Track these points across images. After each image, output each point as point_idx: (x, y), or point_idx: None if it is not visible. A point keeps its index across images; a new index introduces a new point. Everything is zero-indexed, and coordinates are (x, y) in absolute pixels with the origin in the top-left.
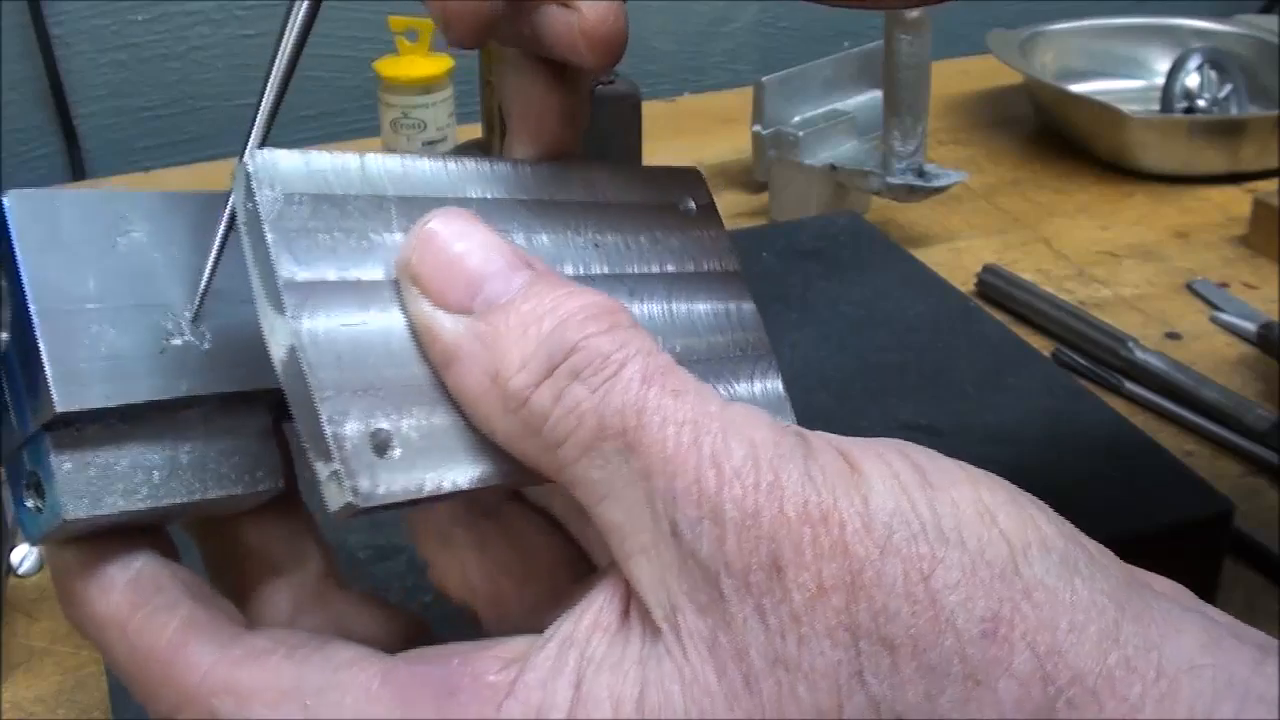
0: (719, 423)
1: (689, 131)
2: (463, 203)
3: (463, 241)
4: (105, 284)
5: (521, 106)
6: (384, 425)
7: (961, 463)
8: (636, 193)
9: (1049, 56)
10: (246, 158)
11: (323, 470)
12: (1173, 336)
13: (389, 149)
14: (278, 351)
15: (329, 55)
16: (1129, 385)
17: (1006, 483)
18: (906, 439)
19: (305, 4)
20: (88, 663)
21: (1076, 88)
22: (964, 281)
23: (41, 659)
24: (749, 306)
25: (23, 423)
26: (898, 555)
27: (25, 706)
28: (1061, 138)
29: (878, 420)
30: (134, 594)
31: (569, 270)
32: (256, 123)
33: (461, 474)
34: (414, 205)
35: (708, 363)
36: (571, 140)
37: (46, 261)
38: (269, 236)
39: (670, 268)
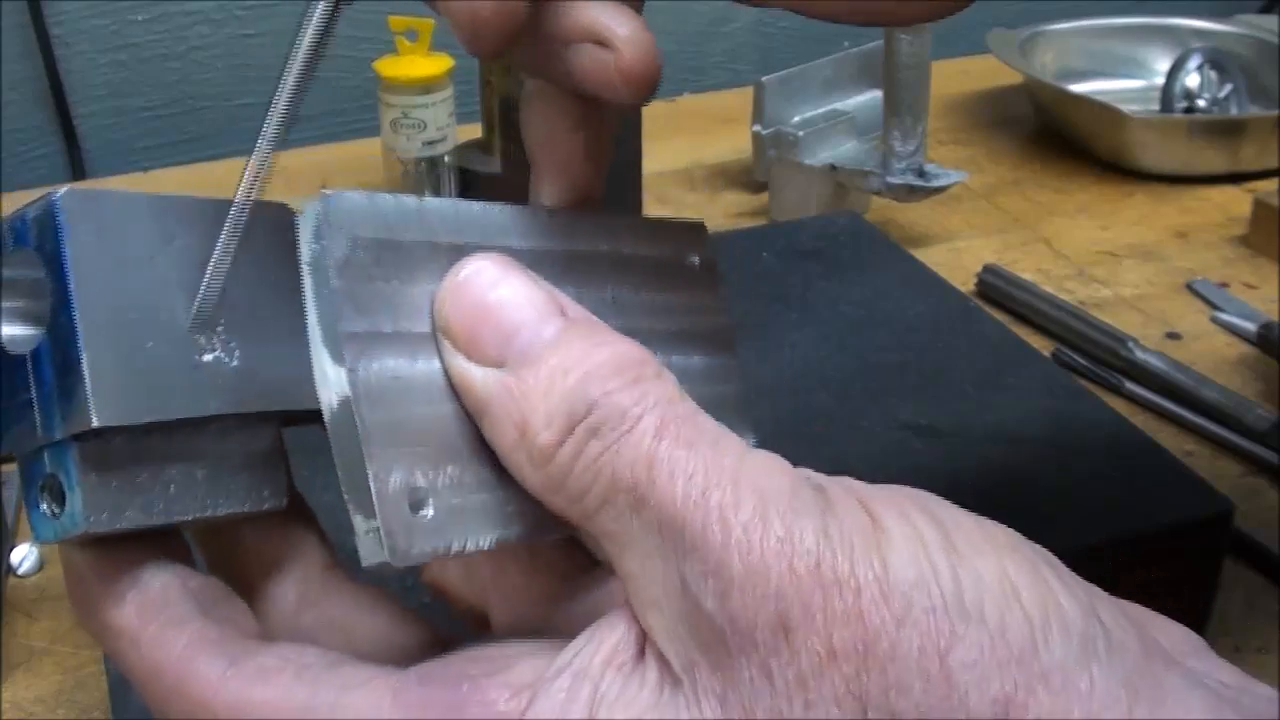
0: (730, 475)
1: (689, 131)
2: (508, 252)
3: (495, 291)
4: (148, 293)
5: (548, 143)
6: (421, 484)
7: (985, 524)
8: (648, 245)
9: (1049, 56)
10: (317, 200)
11: (361, 525)
12: (1173, 336)
13: (389, 149)
14: (328, 398)
15: (329, 55)
16: (1129, 385)
17: (1028, 548)
18: (906, 439)
19: (320, 6)
20: (88, 663)
21: (1076, 88)
22: (964, 281)
23: (41, 659)
24: (735, 364)
25: (49, 427)
26: (915, 628)
27: (25, 706)
28: (1061, 138)
29: (878, 420)
30: (144, 607)
31: None
32: (265, 134)
33: (486, 535)
34: (464, 253)
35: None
36: (596, 179)
37: (94, 267)
38: (335, 284)
39: (672, 325)
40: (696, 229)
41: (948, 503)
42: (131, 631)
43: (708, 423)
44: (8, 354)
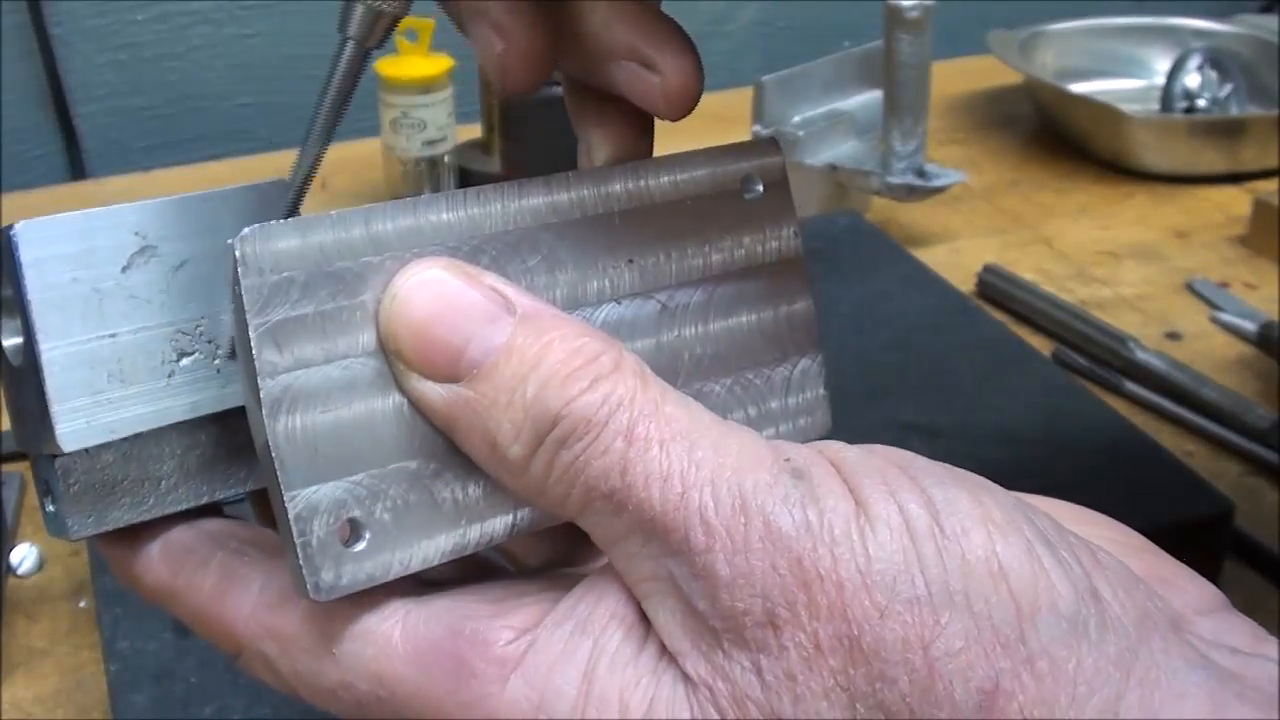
0: (708, 472)
1: (689, 131)
2: (479, 242)
3: (436, 303)
4: (116, 310)
5: (599, 126)
6: (356, 513)
7: (981, 496)
8: (693, 184)
9: (1049, 56)
10: (238, 238)
11: (291, 560)
12: (1173, 336)
13: (389, 149)
14: (257, 438)
15: (329, 55)
16: (1129, 385)
17: (1024, 522)
18: (906, 439)
19: (350, 48)
20: (88, 663)
21: (1076, 88)
22: (964, 281)
23: (41, 659)
24: (802, 302)
25: (37, 441)
26: (898, 620)
27: (25, 706)
28: (1061, 138)
29: (877, 420)
30: (169, 562)
31: (594, 295)
32: (293, 184)
33: (434, 550)
34: (420, 258)
35: (738, 374)
36: (647, 150)
37: (56, 295)
38: (250, 329)
39: (716, 269)
40: (765, 146)
41: (943, 472)
42: (166, 586)
43: (676, 412)
44: (9, 364)
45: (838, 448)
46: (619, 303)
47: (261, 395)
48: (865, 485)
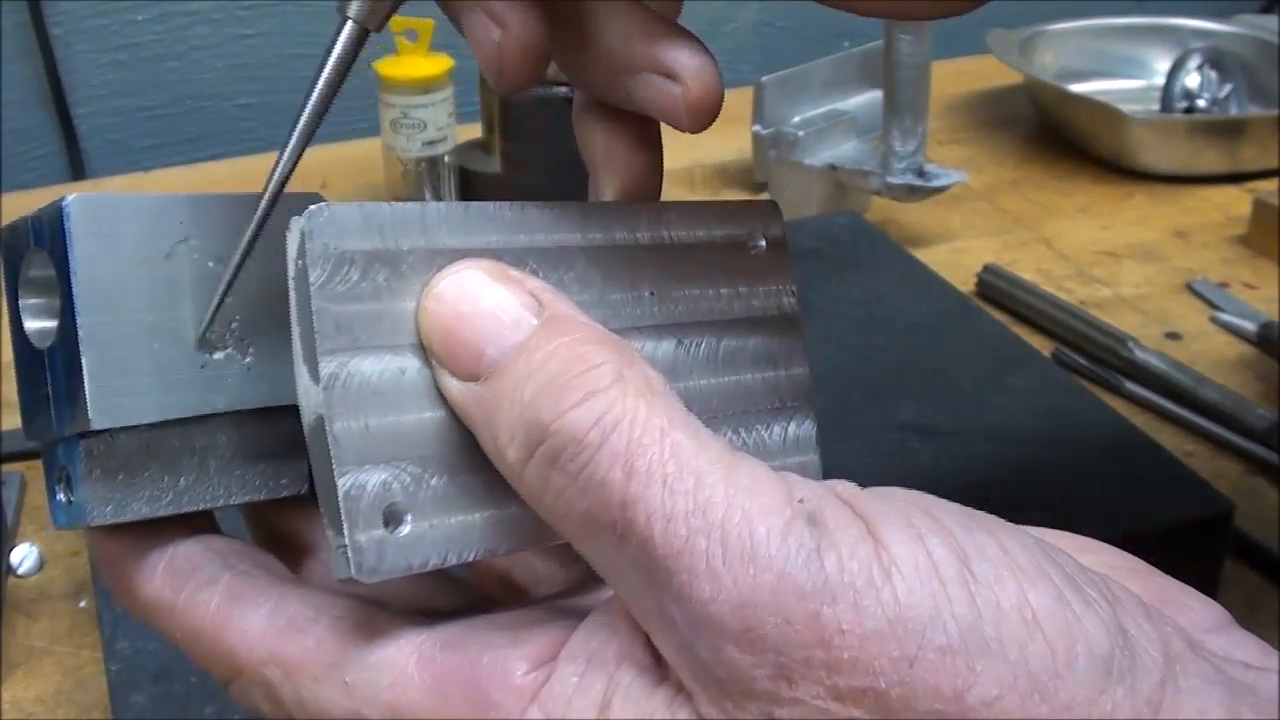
0: (720, 513)
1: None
2: (522, 253)
3: (469, 303)
4: (156, 295)
5: (607, 160)
6: (399, 499)
7: (1007, 543)
8: (705, 230)
9: (1049, 56)
10: (305, 214)
11: (333, 540)
12: (1173, 336)
13: (389, 149)
14: (307, 415)
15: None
16: (1129, 385)
17: (1052, 567)
18: (906, 439)
19: (348, 28)
20: (88, 663)
21: (1076, 88)
22: (964, 281)
23: (41, 659)
24: (798, 350)
25: (60, 423)
26: (929, 668)
27: (25, 706)
28: (1061, 138)
29: (877, 420)
30: (173, 577)
31: (620, 319)
32: (284, 158)
33: (469, 546)
34: (468, 256)
35: (743, 412)
36: (656, 187)
37: (100, 271)
38: (314, 304)
39: (724, 313)
40: (767, 207)
41: (962, 514)
42: (166, 601)
43: (684, 439)
44: (31, 348)
45: (850, 486)
46: (641, 333)
47: (320, 367)
48: (886, 525)
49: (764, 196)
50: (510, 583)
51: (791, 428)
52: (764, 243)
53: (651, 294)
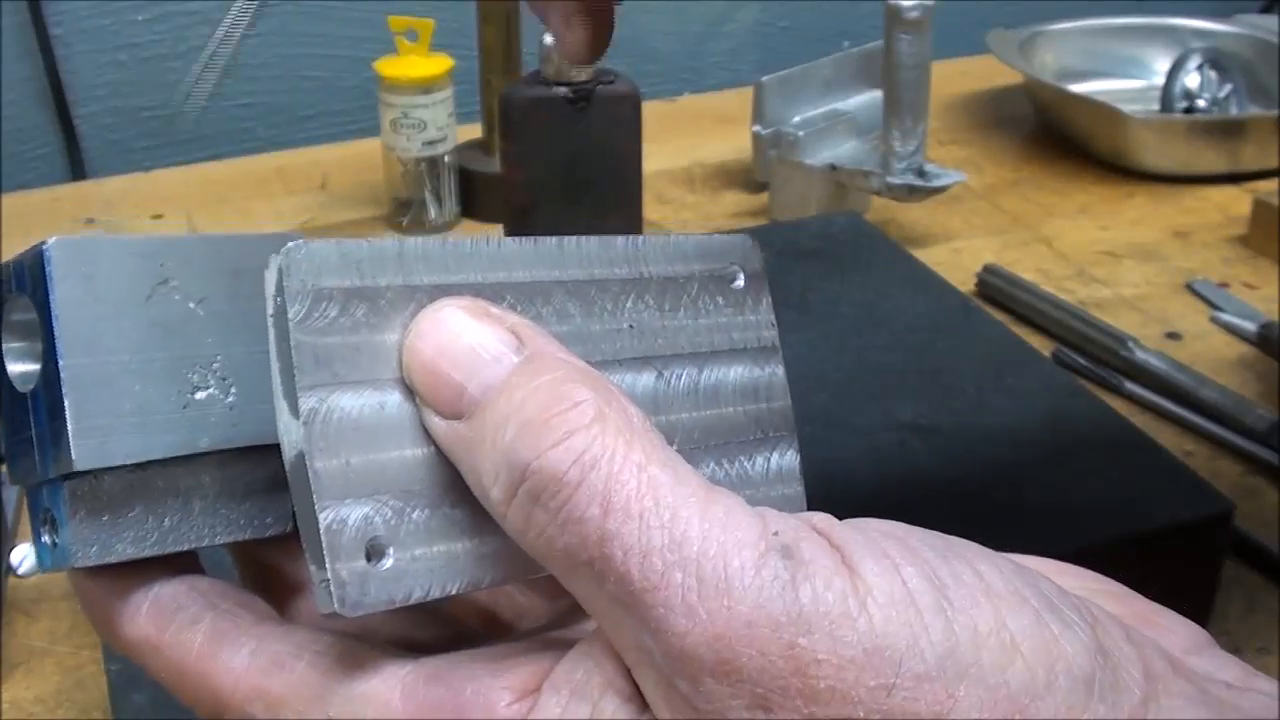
0: (695, 547)
1: (689, 131)
2: (499, 288)
3: (449, 341)
4: (137, 336)
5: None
6: (381, 533)
7: (979, 566)
8: (683, 264)
9: (1049, 56)
10: (283, 251)
11: (315, 575)
12: (1173, 336)
13: (389, 149)
14: (288, 451)
15: (329, 55)
16: (1129, 385)
17: (1028, 590)
18: (906, 439)
19: None
20: (88, 663)
21: (1076, 88)
22: (964, 281)
23: (41, 659)
24: (779, 378)
25: (45, 465)
26: (908, 696)
27: (25, 706)
28: (1061, 138)
29: (877, 420)
30: (158, 616)
31: (599, 353)
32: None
33: (453, 580)
34: (446, 293)
35: (724, 444)
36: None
37: (81, 313)
38: (293, 338)
39: (704, 346)
40: (744, 242)
41: (937, 542)
42: (151, 640)
43: (661, 475)
44: (15, 392)
45: (826, 518)
46: (621, 365)
47: (300, 402)
48: (860, 555)
49: (743, 230)
50: (493, 617)
51: (774, 458)
52: (743, 278)
53: (631, 327)
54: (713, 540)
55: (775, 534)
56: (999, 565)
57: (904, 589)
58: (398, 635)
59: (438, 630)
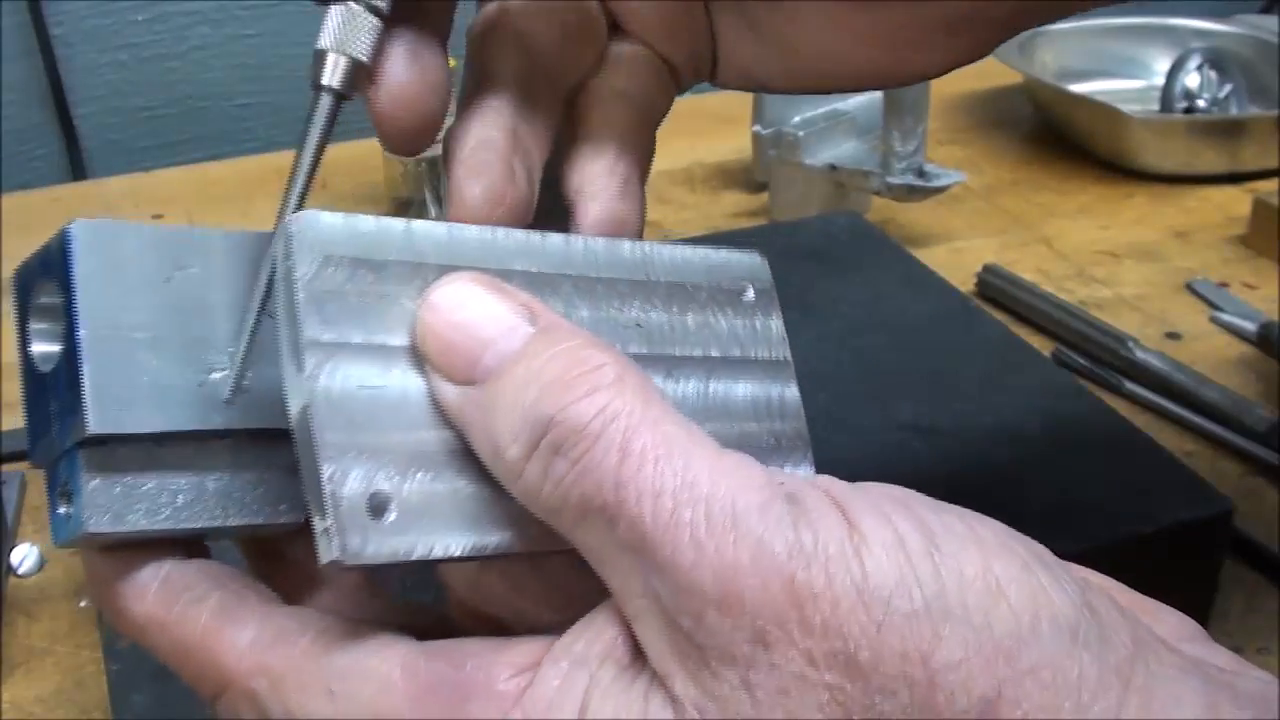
0: (701, 492)
1: (689, 131)
2: (505, 274)
3: (462, 311)
4: (155, 315)
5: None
6: (384, 488)
7: (973, 523)
8: (693, 274)
9: (1049, 56)
10: (290, 219)
11: (318, 525)
12: (1173, 336)
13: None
14: (293, 407)
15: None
16: (1129, 385)
17: (1018, 544)
18: (906, 439)
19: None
20: (88, 663)
21: (1076, 88)
22: (964, 281)
23: (41, 659)
24: (792, 396)
25: (62, 436)
26: (896, 633)
27: (25, 706)
28: (1061, 138)
29: (878, 420)
30: (165, 594)
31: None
32: (293, 186)
33: (455, 542)
34: (453, 272)
35: (738, 448)
36: (636, 218)
37: (101, 289)
38: (299, 296)
39: (714, 352)
40: (754, 258)
41: (935, 502)
42: (157, 618)
43: (676, 431)
44: (37, 372)
45: (830, 479)
46: (629, 359)
47: (305, 359)
48: (859, 510)
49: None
50: (492, 619)
51: (787, 470)
52: (752, 292)
53: (639, 325)
54: (721, 484)
55: (781, 484)
56: (991, 523)
57: (895, 536)
58: (398, 626)
59: (437, 627)
